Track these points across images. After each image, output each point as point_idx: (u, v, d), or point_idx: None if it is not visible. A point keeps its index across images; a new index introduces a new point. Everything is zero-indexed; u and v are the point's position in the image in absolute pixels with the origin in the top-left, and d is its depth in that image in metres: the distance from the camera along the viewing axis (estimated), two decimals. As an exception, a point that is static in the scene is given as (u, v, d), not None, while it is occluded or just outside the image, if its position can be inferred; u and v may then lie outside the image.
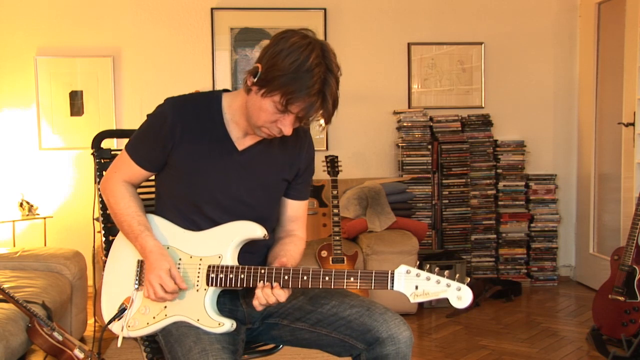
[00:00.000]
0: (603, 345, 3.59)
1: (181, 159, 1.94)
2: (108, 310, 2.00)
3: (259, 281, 1.84)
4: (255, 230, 1.93)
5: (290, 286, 1.84)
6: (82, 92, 5.06)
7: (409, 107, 5.28)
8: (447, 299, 1.72)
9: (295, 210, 2.13)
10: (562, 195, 5.38)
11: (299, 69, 1.74)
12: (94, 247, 3.11)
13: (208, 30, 5.15)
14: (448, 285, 1.71)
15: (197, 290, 1.90)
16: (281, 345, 2.13)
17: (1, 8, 4.99)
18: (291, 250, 2.04)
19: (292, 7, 5.15)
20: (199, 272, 1.91)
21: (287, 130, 1.84)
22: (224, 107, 1.97)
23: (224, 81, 5.17)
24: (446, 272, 1.73)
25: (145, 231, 1.95)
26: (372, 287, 1.78)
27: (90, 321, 4.10)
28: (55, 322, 3.03)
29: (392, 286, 1.75)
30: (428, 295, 1.72)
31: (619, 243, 4.43)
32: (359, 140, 5.29)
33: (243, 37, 5.15)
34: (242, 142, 1.97)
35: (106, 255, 2.13)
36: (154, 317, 1.92)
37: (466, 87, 5.33)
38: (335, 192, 4.25)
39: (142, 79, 5.13)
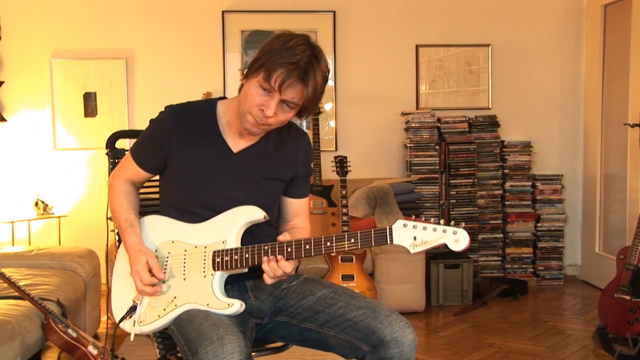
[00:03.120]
0: (609, 344, 3.58)
1: (179, 162, 2.02)
2: (118, 309, 2.03)
3: (263, 256, 1.88)
4: (255, 213, 1.98)
5: (294, 257, 1.87)
6: (95, 93, 5.11)
7: (417, 108, 5.31)
8: (445, 245, 1.74)
9: (297, 207, 2.19)
10: (568, 195, 5.39)
11: (283, 46, 1.84)
12: (107, 245, 3.08)
13: (219, 32, 5.19)
14: (444, 231, 1.74)
15: (205, 276, 1.94)
16: (290, 344, 2.16)
17: (17, 12, 5.05)
18: (297, 233, 2.10)
19: (301, 9, 5.18)
20: (204, 259, 1.96)
21: (269, 112, 1.87)
22: (219, 113, 2.05)
23: (234, 83, 5.16)
24: (441, 221, 1.76)
25: (129, 228, 2.04)
26: (373, 244, 1.79)
27: (104, 318, 4.13)
28: (69, 319, 3.06)
29: (392, 240, 1.77)
30: (427, 243, 1.75)
31: (625, 242, 4.43)
32: (367, 141, 5.31)
33: (253, 40, 5.19)
34: (237, 145, 2.04)
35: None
36: (164, 309, 1.95)
37: (473, 88, 5.35)
38: (344, 192, 4.27)
39: (154, 81, 5.18)
